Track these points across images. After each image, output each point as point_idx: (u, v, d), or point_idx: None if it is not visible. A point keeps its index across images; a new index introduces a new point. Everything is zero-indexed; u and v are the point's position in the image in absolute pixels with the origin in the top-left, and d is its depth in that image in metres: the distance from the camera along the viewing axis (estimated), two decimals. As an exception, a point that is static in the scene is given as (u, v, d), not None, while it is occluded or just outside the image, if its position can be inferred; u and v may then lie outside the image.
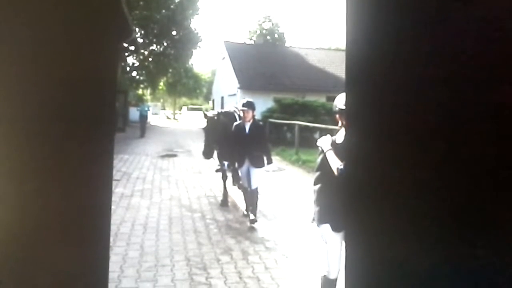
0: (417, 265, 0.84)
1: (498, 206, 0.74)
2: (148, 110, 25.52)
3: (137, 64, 31.39)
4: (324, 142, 2.99)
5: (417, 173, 0.86)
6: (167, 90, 44.71)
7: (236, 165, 6.25)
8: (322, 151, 2.96)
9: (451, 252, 0.79)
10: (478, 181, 0.76)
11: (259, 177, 5.95)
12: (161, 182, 8.91)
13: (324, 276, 2.97)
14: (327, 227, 2.90)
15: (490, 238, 0.74)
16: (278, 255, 4.71)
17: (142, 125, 20.45)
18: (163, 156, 13.17)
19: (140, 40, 27.43)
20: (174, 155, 13.56)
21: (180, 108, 51.19)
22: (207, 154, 6.58)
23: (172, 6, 30.06)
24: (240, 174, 6.28)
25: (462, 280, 0.77)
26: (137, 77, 32.57)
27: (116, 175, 9.05)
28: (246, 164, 5.87)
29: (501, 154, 0.73)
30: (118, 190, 7.72)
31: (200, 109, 34.67)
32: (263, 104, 17.90)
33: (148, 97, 45.60)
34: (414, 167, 0.86)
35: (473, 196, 0.77)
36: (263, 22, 44.16)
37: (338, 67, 24.22)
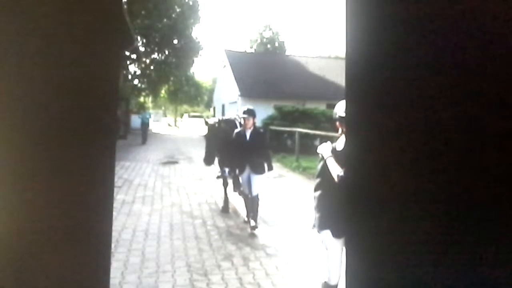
0: (418, 270, 0.85)
1: (500, 207, 0.74)
2: (150, 117, 25.55)
3: (138, 72, 31.56)
4: (324, 149, 3.00)
5: (417, 179, 0.86)
6: (169, 98, 44.75)
7: (237, 171, 6.25)
8: (323, 158, 2.97)
9: (452, 256, 0.79)
10: (479, 183, 0.77)
11: (260, 183, 5.95)
12: (162, 188, 8.90)
13: (325, 282, 2.96)
14: (327, 233, 2.90)
15: (493, 240, 0.75)
16: (279, 261, 4.69)
17: (144, 132, 20.49)
18: (164, 163, 13.16)
19: (141, 49, 27.60)
20: (175, 162, 13.55)
21: (182, 116, 51.18)
22: (208, 161, 6.59)
23: (173, 15, 30.28)
24: (241, 180, 6.28)
25: (465, 283, 0.78)
26: (139, 85, 32.69)
27: (117, 182, 9.05)
28: (247, 170, 5.88)
29: (503, 155, 0.73)
30: (119, 197, 7.71)
31: (201, 117, 34.61)
32: (264, 111, 17.90)
33: (149, 104, 45.65)
34: (414, 173, 0.87)
35: (475, 198, 0.77)
36: (264, 31, 44.36)
37: (338, 75, 24.21)
